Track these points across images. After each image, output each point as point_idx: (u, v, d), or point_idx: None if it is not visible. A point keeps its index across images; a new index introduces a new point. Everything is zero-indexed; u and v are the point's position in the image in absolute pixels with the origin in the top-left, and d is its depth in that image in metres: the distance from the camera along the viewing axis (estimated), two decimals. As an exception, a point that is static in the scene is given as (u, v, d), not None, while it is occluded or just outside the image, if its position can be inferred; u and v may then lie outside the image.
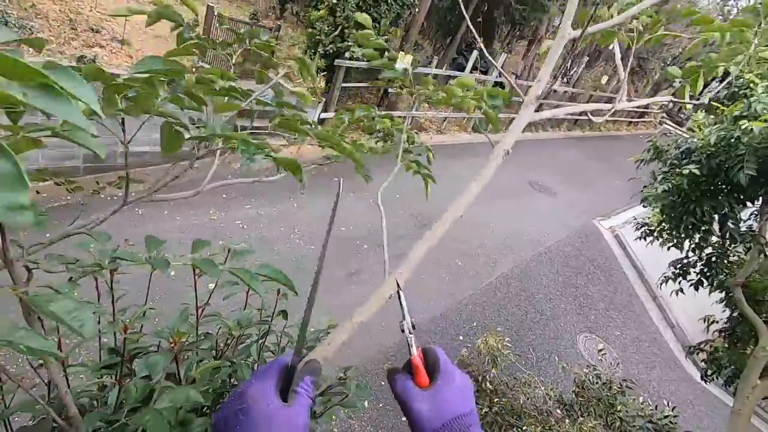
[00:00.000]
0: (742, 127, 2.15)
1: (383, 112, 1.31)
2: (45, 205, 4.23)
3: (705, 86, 1.34)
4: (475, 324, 5.19)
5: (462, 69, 11.84)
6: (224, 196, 5.47)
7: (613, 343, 5.81)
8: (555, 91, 15.07)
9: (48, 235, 0.78)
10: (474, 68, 11.82)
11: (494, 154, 0.90)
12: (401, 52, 9.01)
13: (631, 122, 22.15)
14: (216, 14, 6.79)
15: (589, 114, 1.21)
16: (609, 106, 1.18)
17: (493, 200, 8.36)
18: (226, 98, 0.72)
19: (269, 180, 1.05)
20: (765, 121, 2.10)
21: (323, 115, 7.58)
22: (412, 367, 0.64)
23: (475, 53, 11.42)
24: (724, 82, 1.42)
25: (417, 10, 9.27)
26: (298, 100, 1.26)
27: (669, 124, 21.88)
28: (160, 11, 0.73)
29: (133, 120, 0.71)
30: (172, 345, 0.80)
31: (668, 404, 3.55)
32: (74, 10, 6.75)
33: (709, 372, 3.22)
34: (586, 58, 16.10)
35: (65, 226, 0.86)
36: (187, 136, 0.69)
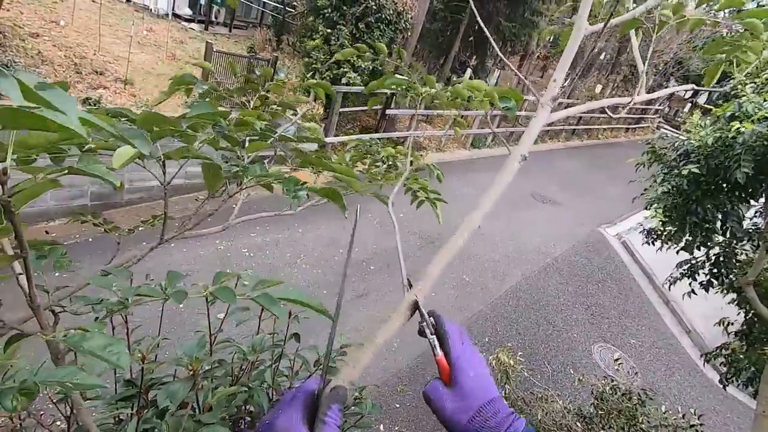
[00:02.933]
0: (733, 129, 2.19)
1: (381, 135, 1.36)
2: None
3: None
4: (487, 339, 5.13)
5: (457, 87, 12.04)
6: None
7: (629, 352, 5.70)
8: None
9: (67, 274, 0.81)
10: (469, 86, 12.02)
11: (510, 158, 0.87)
12: (396, 75, 9.19)
13: (628, 128, 22.30)
14: (215, 51, 7.00)
15: (607, 109, 1.18)
16: (627, 99, 1.15)
17: (497, 214, 8.37)
18: (259, 138, 0.77)
19: (291, 213, 1.08)
20: (758, 120, 2.14)
21: (324, 140, 7.70)
22: (439, 368, 0.65)
23: (468, 71, 11.64)
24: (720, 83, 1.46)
25: (409, 33, 9.52)
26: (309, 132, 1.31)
27: (667, 128, 22.02)
28: (179, 81, 0.79)
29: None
30: (192, 372, 0.81)
31: (694, 412, 3.46)
32: (79, 55, 6.99)
33: (728, 376, 3.15)
34: (578, 69, 16.35)
35: (82, 265, 0.90)
36: (225, 173, 0.73)
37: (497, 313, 5.64)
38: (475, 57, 13.97)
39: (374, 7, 7.88)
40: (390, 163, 1.19)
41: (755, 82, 2.51)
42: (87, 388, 0.51)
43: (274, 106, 0.95)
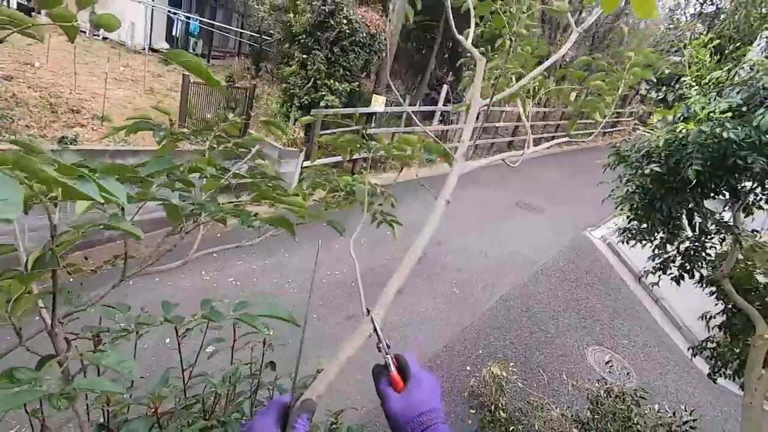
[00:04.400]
0: (679, 130, 2.29)
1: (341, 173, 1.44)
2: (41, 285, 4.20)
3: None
4: (481, 352, 5.11)
5: (435, 103, 12.28)
6: (215, 255, 5.47)
7: (623, 353, 5.72)
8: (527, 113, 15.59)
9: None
10: (447, 101, 12.28)
11: (437, 204, 1.07)
12: (375, 95, 9.36)
13: (606, 133, 22.87)
14: (191, 81, 7.06)
15: (506, 161, 1.54)
16: (519, 153, 1.61)
17: (483, 225, 8.45)
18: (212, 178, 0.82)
19: (250, 243, 1.13)
20: (705, 119, 2.24)
21: (306, 163, 7.74)
22: (391, 380, 0.76)
23: (445, 87, 11.88)
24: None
25: (384, 54, 9.74)
26: (279, 149, 1.34)
27: (643, 131, 22.59)
28: (137, 125, 0.84)
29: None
30: (153, 409, 0.81)
31: (685, 408, 3.47)
32: (54, 95, 6.98)
33: (716, 369, 3.19)
34: (552, 79, 16.85)
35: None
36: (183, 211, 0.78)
37: (489, 324, 5.63)
38: (451, 73, 14.30)
39: (347, 31, 8.05)
40: (347, 190, 1.23)
41: (700, 84, 2.64)
42: (112, 391, 0.68)
43: (229, 146, 0.99)
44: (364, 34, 8.40)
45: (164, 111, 1.00)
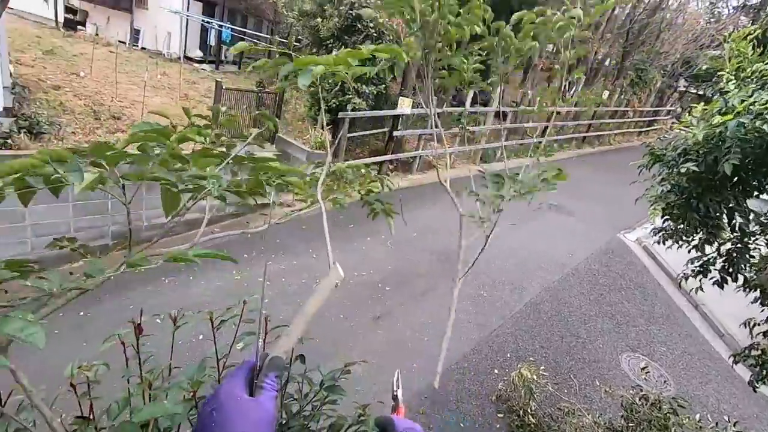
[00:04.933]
0: (717, 122, 2.19)
1: (390, 157, 1.44)
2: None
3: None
4: (509, 355, 5.03)
5: (462, 104, 12.19)
6: (245, 255, 5.63)
7: (660, 360, 5.49)
8: (558, 112, 15.27)
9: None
10: (474, 102, 12.17)
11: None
12: (401, 98, 9.39)
13: (641, 132, 22.05)
14: (224, 88, 7.30)
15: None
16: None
17: (512, 227, 8.31)
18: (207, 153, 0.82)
19: (255, 231, 1.14)
20: (744, 112, 2.13)
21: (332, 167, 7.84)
22: None
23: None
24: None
25: (411, 56, 9.73)
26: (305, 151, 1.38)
27: (678, 128, 21.62)
28: (137, 131, 0.85)
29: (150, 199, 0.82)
30: (192, 393, 0.85)
31: (729, 419, 3.30)
32: (97, 102, 7.37)
33: (759, 377, 3.02)
34: (583, 77, 16.38)
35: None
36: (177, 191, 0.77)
37: (518, 328, 5.53)
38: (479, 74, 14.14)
39: (374, 34, 8.13)
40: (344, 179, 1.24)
41: (740, 77, 2.51)
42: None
43: (224, 138, 1.00)
44: (392, 38, 8.45)
45: (203, 116, 1.04)
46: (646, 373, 3.80)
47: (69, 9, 13.62)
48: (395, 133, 9.27)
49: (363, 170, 1.27)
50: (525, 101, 14.99)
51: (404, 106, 9.16)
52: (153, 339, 1.24)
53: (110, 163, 0.63)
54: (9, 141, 5.37)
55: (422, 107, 10.23)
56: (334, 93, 8.42)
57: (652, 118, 22.98)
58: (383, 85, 9.11)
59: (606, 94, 18.29)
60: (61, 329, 4.03)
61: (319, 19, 8.48)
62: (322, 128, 8.52)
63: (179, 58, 13.20)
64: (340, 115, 7.98)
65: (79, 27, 13.61)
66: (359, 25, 8.00)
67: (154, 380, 0.96)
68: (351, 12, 7.91)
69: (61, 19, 13.13)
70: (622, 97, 20.21)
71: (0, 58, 5.55)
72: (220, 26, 13.86)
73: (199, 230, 0.81)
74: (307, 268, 5.71)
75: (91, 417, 0.95)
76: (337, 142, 8.20)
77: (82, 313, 4.30)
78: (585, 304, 6.41)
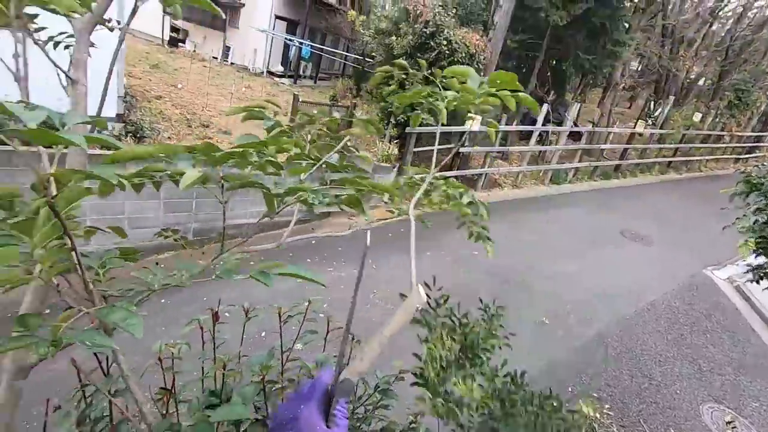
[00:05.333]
0: None
1: (456, 173, 1.44)
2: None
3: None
4: (570, 390, 4.72)
5: (534, 123, 11.83)
6: (308, 260, 5.87)
7: (751, 417, 4.84)
8: (640, 134, 14.26)
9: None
10: (547, 120, 11.76)
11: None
12: (470, 114, 9.34)
13: (738, 159, 19.86)
14: (300, 101, 7.75)
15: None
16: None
17: (581, 252, 7.85)
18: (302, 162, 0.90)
19: (342, 234, 1.22)
20: None
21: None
22: None
23: (546, 106, 11.40)
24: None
25: (483, 74, 9.69)
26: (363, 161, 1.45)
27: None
28: (250, 113, 0.97)
29: (234, 201, 0.92)
30: (261, 377, 0.93)
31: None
32: (190, 112, 8.16)
33: None
34: (672, 98, 15.16)
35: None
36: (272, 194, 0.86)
37: (582, 361, 5.18)
38: (552, 92, 13.69)
39: (447, 51, 8.20)
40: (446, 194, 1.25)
41: None
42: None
43: (327, 139, 1.08)
44: (463, 54, 8.48)
45: (276, 104, 1.15)
46: (733, 428, 3.38)
47: (173, 28, 15.30)
48: (462, 150, 9.21)
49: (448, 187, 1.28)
50: (602, 122, 14.19)
51: (473, 122, 9.10)
52: (222, 328, 1.36)
53: (216, 164, 0.72)
54: (118, 143, 6.12)
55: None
56: (404, 108, 8.58)
57: (753, 144, 20.60)
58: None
59: (698, 116, 16.78)
60: (145, 313, 4.46)
61: (394, 37, 8.74)
62: (390, 142, 8.70)
63: (262, 72, 14.26)
64: (408, 129, 8.11)
65: (180, 44, 15.22)
66: (432, 43, 8.13)
67: (228, 362, 1.05)
68: (425, 30, 8.07)
69: (166, 38, 14.79)
70: (718, 120, 18.40)
71: (117, 72, 6.39)
72: (301, 43, 14.77)
73: (286, 229, 0.89)
74: (366, 278, 5.79)
75: (173, 390, 1.06)
76: (403, 156, 8.33)
77: (163, 300, 4.73)
78: (661, 343, 5.85)
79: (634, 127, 14.05)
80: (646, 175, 14.83)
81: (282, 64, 15.17)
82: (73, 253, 0.72)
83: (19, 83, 0.98)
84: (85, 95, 0.88)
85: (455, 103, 1.06)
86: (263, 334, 4.33)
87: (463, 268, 6.51)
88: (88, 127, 0.80)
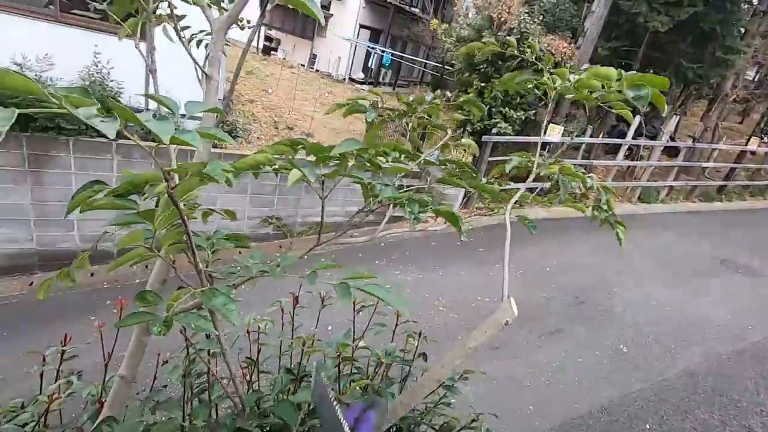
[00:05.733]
0: None
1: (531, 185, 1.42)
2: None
3: None
4: (648, 427, 4.32)
5: (623, 136, 11.01)
6: (377, 262, 6.01)
7: None
8: (753, 153, 12.62)
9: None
10: (638, 134, 10.88)
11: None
12: (551, 124, 8.96)
13: None
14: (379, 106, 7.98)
15: None
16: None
17: (669, 279, 7.16)
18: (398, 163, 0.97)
19: (433, 230, 1.27)
20: None
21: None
22: None
23: (638, 118, 10.56)
24: None
25: (568, 82, 9.23)
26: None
27: None
28: (353, 109, 1.06)
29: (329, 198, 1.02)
30: (338, 354, 1.01)
31: None
32: (278, 115, 8.78)
33: None
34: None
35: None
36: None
37: (664, 398, 4.71)
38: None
39: (530, 60, 7.95)
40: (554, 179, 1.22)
41: None
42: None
43: (430, 127, 1.13)
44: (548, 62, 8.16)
45: (377, 93, 1.23)
46: None
47: (267, 38, 16.56)
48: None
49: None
50: (706, 137, 12.78)
51: (553, 133, 8.71)
52: (300, 312, 1.48)
53: (318, 162, 0.82)
54: (227, 137, 6.80)
55: (576, 137, 9.56)
56: (481, 116, 8.47)
57: None
58: (533, 111, 8.82)
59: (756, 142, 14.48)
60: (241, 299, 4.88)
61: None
62: (464, 150, 8.62)
63: (344, 79, 14.89)
64: (484, 138, 7.98)
65: (272, 52, 16.42)
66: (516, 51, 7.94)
67: (307, 340, 1.15)
68: (509, 37, 7.91)
69: (260, 46, 16.04)
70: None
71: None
72: (382, 51, 15.18)
73: (379, 227, 0.97)
74: (430, 284, 5.81)
75: (257, 361, 1.18)
76: (477, 164, 8.21)
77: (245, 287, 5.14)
78: (763, 390, 5.13)
79: (746, 144, 12.48)
80: (758, 198, 13.07)
81: (363, 71, 15.72)
82: (186, 236, 0.84)
83: (151, 75, 1.17)
84: (216, 90, 1.03)
85: (571, 95, 1.05)
86: (330, 327, 4.53)
87: (535, 282, 6.25)
88: (214, 115, 0.94)
